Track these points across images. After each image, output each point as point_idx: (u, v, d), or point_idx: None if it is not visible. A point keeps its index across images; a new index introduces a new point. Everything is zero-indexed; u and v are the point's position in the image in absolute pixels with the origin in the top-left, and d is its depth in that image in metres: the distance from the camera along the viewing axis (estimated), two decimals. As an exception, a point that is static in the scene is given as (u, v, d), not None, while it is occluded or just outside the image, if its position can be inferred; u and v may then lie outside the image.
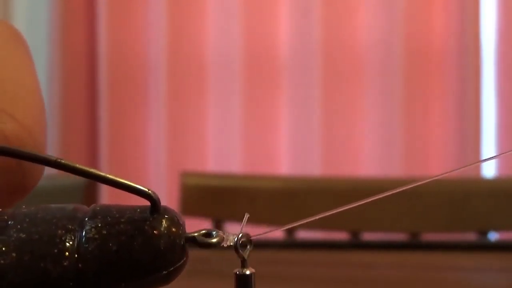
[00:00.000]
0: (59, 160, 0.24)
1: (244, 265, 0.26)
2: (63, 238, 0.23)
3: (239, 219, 1.03)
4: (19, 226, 0.24)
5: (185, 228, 0.25)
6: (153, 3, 1.51)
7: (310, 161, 1.44)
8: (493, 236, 0.97)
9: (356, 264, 0.67)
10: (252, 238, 0.27)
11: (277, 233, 1.00)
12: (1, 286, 0.23)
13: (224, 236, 0.26)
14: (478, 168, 1.38)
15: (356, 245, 0.87)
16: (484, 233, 0.92)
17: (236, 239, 0.26)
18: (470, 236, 0.95)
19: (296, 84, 1.46)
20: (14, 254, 0.23)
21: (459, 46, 1.40)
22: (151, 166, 1.52)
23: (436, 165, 1.42)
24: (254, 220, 1.06)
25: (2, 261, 0.23)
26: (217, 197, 0.99)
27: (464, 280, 0.61)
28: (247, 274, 0.26)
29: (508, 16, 1.39)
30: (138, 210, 0.25)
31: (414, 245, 0.86)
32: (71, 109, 1.52)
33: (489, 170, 1.41)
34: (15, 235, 0.23)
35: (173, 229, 0.25)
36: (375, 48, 1.43)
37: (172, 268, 0.24)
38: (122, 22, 1.51)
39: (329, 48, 1.43)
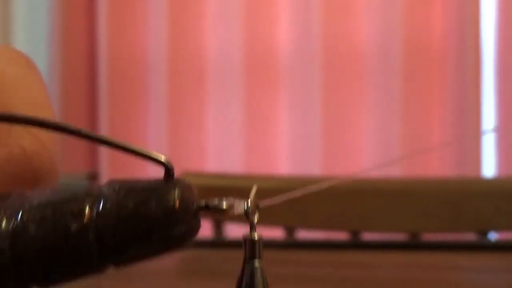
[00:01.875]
0: (80, 129, 0.26)
1: (252, 229, 0.29)
2: (83, 198, 0.25)
3: (239, 219, 1.03)
4: (39, 195, 0.25)
5: (197, 197, 0.27)
6: (153, 3, 1.51)
7: (310, 161, 1.44)
8: (493, 236, 0.97)
9: (356, 264, 0.67)
10: (260, 205, 0.29)
11: (277, 233, 1.00)
12: (25, 239, 0.24)
13: (234, 202, 0.28)
14: (478, 168, 1.38)
15: (356, 245, 0.87)
16: (484, 233, 0.92)
17: (246, 205, 0.28)
18: (470, 236, 0.95)
19: (296, 84, 1.46)
20: (36, 212, 0.24)
21: (459, 46, 1.40)
22: (151, 166, 1.52)
23: (436, 165, 1.42)
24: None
25: (25, 218, 0.24)
26: (217, 197, 0.99)
27: (464, 280, 0.61)
28: (255, 239, 0.28)
29: (508, 16, 1.39)
30: (154, 179, 0.27)
31: (414, 245, 0.86)
32: (71, 109, 1.52)
33: (489, 170, 1.41)
34: (36, 201, 0.25)
35: (186, 194, 0.27)
36: (375, 48, 1.43)
37: (184, 230, 0.26)
38: (122, 23, 1.51)
39: (329, 48, 1.43)
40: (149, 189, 0.26)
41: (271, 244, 0.82)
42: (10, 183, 0.30)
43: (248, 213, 0.28)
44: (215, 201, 0.28)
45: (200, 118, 1.50)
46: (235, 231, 1.11)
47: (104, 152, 1.50)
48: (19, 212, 0.25)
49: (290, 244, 0.89)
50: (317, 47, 1.43)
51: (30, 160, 0.29)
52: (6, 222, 0.24)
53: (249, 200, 0.28)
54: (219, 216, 0.27)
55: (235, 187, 0.98)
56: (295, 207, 0.97)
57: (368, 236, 0.96)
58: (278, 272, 0.59)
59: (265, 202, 0.29)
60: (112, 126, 1.50)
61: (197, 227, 0.27)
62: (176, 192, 0.26)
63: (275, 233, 1.01)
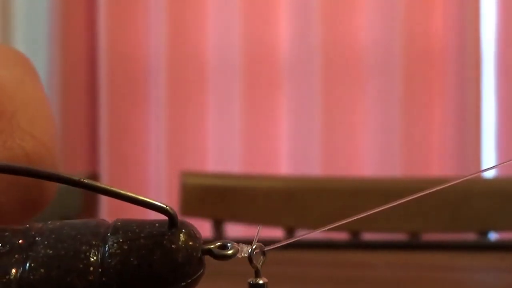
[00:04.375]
0: (82, 180, 0.26)
1: (257, 275, 0.27)
2: (87, 254, 0.25)
3: (239, 219, 1.03)
4: (46, 242, 0.25)
5: (201, 241, 0.27)
6: (153, 3, 1.51)
7: (310, 161, 1.44)
8: (493, 236, 0.97)
9: (356, 264, 0.67)
10: (265, 249, 0.28)
11: (277, 233, 1.00)
12: None
13: (238, 247, 0.27)
14: (478, 168, 1.38)
15: (356, 245, 0.87)
16: (484, 233, 0.92)
17: (250, 250, 0.27)
18: (470, 236, 0.95)
19: (296, 84, 1.46)
20: (42, 270, 0.24)
21: (459, 46, 1.40)
22: (151, 166, 1.52)
23: (436, 165, 1.42)
24: (254, 220, 1.06)
25: (31, 277, 0.24)
26: (217, 197, 0.99)
27: (464, 280, 0.61)
28: (260, 284, 0.27)
29: (508, 16, 1.39)
30: (157, 224, 0.26)
31: (414, 245, 0.86)
32: (71, 109, 1.52)
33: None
34: (42, 251, 0.25)
35: (191, 243, 0.26)
36: (375, 49, 1.43)
37: (190, 280, 0.26)
38: (122, 23, 1.51)
39: (329, 49, 1.43)
40: (154, 242, 0.26)
41: (271, 244, 0.82)
42: (12, 186, 0.30)
43: (252, 258, 0.27)
44: (220, 246, 0.27)
45: (200, 118, 1.50)
46: (235, 231, 1.11)
47: (104, 152, 1.50)
48: (27, 261, 0.25)
49: (290, 244, 0.89)
50: (317, 47, 1.43)
51: (32, 163, 0.29)
52: (15, 270, 0.25)
53: (253, 246, 0.27)
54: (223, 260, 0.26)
55: (235, 187, 0.98)
56: (295, 207, 0.97)
57: (368, 236, 0.96)
58: (278, 272, 0.59)
59: (270, 247, 0.28)
60: (112, 126, 1.50)
61: (202, 273, 0.27)
62: (180, 243, 0.26)
63: (275, 233, 1.01)
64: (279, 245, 0.29)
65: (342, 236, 0.97)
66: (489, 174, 1.42)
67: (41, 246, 0.25)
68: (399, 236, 0.95)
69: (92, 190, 0.26)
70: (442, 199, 0.93)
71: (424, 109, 1.42)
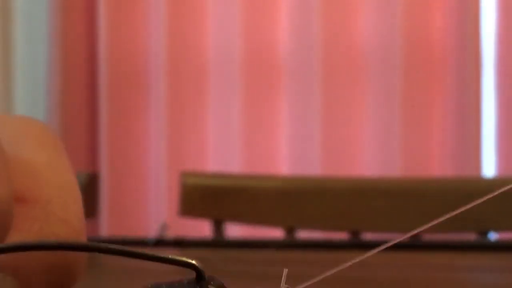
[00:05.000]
0: (110, 247, 0.26)
1: None
2: None
3: (239, 219, 1.03)
4: None
5: None
6: (153, 3, 1.51)
7: (310, 161, 1.44)
8: (493, 236, 0.96)
9: (356, 264, 0.67)
10: None
11: (277, 233, 1.00)
12: None
13: None
14: (478, 168, 1.38)
15: (356, 245, 0.87)
16: (484, 233, 0.92)
17: None
18: (470, 236, 0.95)
19: (296, 84, 1.46)
20: None
21: (459, 46, 1.40)
22: (151, 166, 1.52)
23: (436, 165, 1.42)
24: (254, 220, 1.06)
25: None
26: (217, 197, 0.99)
27: (464, 280, 0.61)
28: None
29: (508, 16, 1.39)
30: (186, 282, 0.27)
31: (414, 245, 0.86)
32: (71, 109, 1.52)
33: (489, 170, 1.41)
34: None
35: None
36: (374, 49, 1.43)
37: None
38: (122, 22, 1.51)
39: (329, 48, 1.43)
40: None
41: (271, 244, 0.82)
42: (43, 269, 0.31)
43: None
44: None
45: (200, 118, 1.50)
46: (235, 231, 1.11)
47: (104, 152, 1.50)
48: None
49: (290, 244, 0.89)
50: (317, 47, 1.43)
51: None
52: None
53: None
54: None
55: (235, 187, 0.98)
56: (295, 207, 0.97)
57: (368, 236, 0.96)
58: (278, 272, 0.59)
59: (299, 287, 0.28)
60: (112, 126, 1.50)
61: None
62: None
63: (275, 233, 1.01)
64: (310, 283, 0.28)
65: (342, 236, 0.97)
66: (489, 174, 1.42)
67: None
68: (399, 236, 0.95)
69: (115, 254, 0.26)
70: (442, 199, 0.93)
71: (424, 109, 1.42)
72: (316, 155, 1.44)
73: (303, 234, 0.97)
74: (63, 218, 0.31)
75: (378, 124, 1.43)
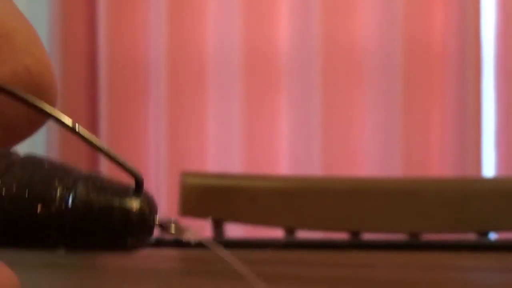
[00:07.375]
0: (75, 127, 0.28)
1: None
2: (58, 188, 0.28)
3: (239, 219, 1.03)
4: (26, 167, 0.28)
5: (157, 214, 0.29)
6: (153, 3, 1.51)
7: (310, 161, 1.44)
8: (493, 236, 0.97)
9: (356, 264, 0.67)
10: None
11: (277, 233, 1.00)
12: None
13: (184, 228, 0.30)
14: (478, 168, 1.38)
15: (356, 245, 0.87)
16: (484, 233, 0.92)
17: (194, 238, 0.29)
18: (470, 236, 0.95)
19: (296, 84, 1.46)
20: (14, 189, 0.27)
21: (459, 46, 1.40)
22: (151, 166, 1.52)
23: (436, 165, 1.42)
24: (254, 220, 1.06)
25: (2, 188, 0.27)
26: (217, 197, 0.99)
27: (464, 280, 0.61)
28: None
29: (508, 16, 1.39)
30: (124, 186, 0.29)
31: (414, 245, 0.86)
32: (71, 109, 1.52)
33: (489, 170, 1.41)
34: (20, 173, 0.28)
35: (147, 210, 0.29)
36: (375, 49, 1.43)
37: (136, 241, 0.28)
38: (122, 22, 1.51)
39: (329, 48, 1.43)
40: (116, 199, 0.28)
41: (271, 244, 0.82)
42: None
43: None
44: (168, 222, 0.30)
45: (200, 118, 1.50)
46: (235, 231, 1.11)
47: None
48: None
49: (290, 244, 0.89)
50: (317, 47, 1.43)
51: (34, 79, 0.31)
52: None
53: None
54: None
55: (235, 187, 0.99)
56: (295, 207, 0.97)
57: (368, 236, 0.96)
58: (278, 272, 0.59)
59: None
60: (112, 126, 1.51)
61: (149, 239, 0.29)
62: (139, 207, 0.29)
63: (275, 233, 1.01)
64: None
65: (342, 236, 0.97)
66: (489, 174, 1.42)
67: (21, 169, 0.28)
68: (399, 236, 0.95)
69: (81, 138, 0.28)
70: (442, 199, 0.93)
71: (424, 109, 1.42)
72: (316, 155, 1.44)
73: (303, 234, 0.97)
74: (30, 51, 0.30)
75: (378, 124, 1.43)
